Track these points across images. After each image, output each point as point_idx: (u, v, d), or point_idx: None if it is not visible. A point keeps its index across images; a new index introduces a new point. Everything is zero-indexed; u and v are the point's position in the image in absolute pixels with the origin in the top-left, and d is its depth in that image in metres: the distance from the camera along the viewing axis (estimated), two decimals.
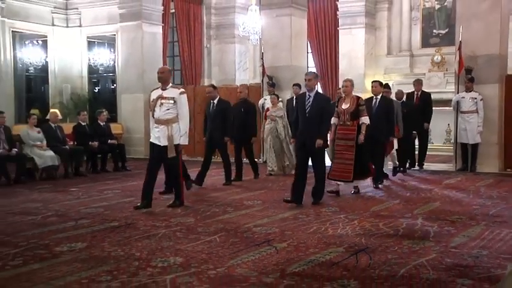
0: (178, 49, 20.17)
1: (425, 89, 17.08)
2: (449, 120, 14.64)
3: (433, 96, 16.86)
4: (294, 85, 12.57)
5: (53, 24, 18.35)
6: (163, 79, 8.40)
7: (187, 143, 8.63)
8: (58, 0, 18.27)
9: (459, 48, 12.85)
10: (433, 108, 16.93)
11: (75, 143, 12.84)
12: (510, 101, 12.82)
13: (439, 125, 17.03)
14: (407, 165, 13.23)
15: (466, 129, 12.72)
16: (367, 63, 18.43)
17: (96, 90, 18.18)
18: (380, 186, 10.43)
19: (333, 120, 9.37)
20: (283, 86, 14.18)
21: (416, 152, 13.84)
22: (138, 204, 8.45)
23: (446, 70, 16.87)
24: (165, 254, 5.97)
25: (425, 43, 18.15)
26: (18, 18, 17.38)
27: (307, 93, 8.62)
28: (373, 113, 9.96)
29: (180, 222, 7.58)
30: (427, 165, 14.07)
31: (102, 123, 13.91)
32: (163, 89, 8.27)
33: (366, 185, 9.81)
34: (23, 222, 7.98)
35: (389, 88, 11.99)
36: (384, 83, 11.63)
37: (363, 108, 9.19)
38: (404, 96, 13.26)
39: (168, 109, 8.15)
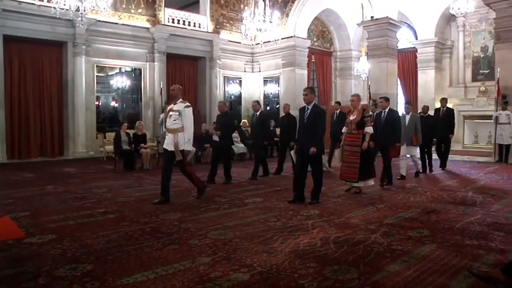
0: (317, 83, 20.08)
1: (474, 109, 16.15)
2: (490, 128, 13.57)
3: (479, 113, 15.92)
4: (405, 104, 10.32)
5: (245, 71, 18.86)
6: (174, 95, 6.61)
7: (191, 149, 6.81)
8: (248, 57, 18.78)
9: (497, 82, 12.21)
10: (480, 121, 15.94)
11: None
12: None
13: (484, 132, 16.01)
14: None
15: (502, 135, 11.97)
16: (436, 91, 17.39)
17: (268, 109, 18.49)
18: (385, 186, 7.93)
19: (343, 129, 7.49)
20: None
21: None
22: (156, 200, 6.42)
23: (488, 96, 15.55)
24: (308, 208, 6.08)
25: (474, 79, 16.85)
26: (227, 69, 18.05)
27: (306, 106, 6.48)
28: (381, 124, 8.05)
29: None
30: (474, 157, 13.14)
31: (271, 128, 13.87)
32: (174, 104, 6.53)
33: (371, 185, 7.38)
34: (227, 185, 8.37)
35: (411, 104, 9.80)
36: (407, 100, 10.17)
37: (367, 119, 7.13)
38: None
39: (175, 120, 6.39)
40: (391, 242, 4.32)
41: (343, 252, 4.02)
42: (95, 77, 14.34)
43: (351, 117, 7.26)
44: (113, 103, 15.96)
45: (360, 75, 19.88)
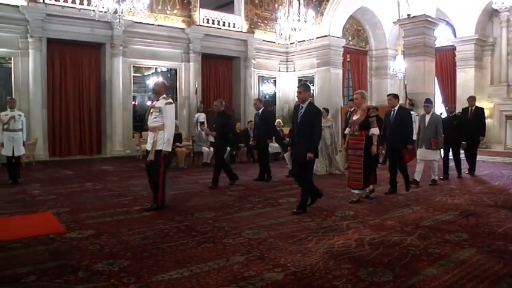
0: (352, 82, 19.85)
1: None
2: None
3: None
4: (424, 103, 8.52)
5: (279, 71, 18.81)
6: (157, 91, 6.09)
7: (169, 150, 5.92)
8: (282, 56, 18.73)
9: None
10: None
11: (290, 139, 12.99)
12: None
13: None
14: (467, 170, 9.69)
15: None
16: (475, 90, 16.78)
17: None
18: (410, 190, 7.31)
19: (346, 130, 6.86)
20: (419, 105, 13.23)
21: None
22: (147, 206, 6.07)
23: None
24: (342, 209, 6.01)
25: None
26: (262, 68, 18.08)
27: (300, 104, 5.94)
28: (390, 124, 7.34)
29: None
30: None
31: None
32: (157, 100, 6.07)
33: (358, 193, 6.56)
34: (262, 184, 8.39)
35: (431, 103, 8.48)
36: (427, 98, 8.82)
37: (373, 119, 6.32)
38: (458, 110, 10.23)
39: (156, 117, 5.88)
40: (427, 245, 4.21)
41: (378, 254, 3.95)
42: (132, 77, 14.70)
43: (354, 117, 6.54)
44: (148, 103, 16.28)
45: (396, 75, 19.51)
